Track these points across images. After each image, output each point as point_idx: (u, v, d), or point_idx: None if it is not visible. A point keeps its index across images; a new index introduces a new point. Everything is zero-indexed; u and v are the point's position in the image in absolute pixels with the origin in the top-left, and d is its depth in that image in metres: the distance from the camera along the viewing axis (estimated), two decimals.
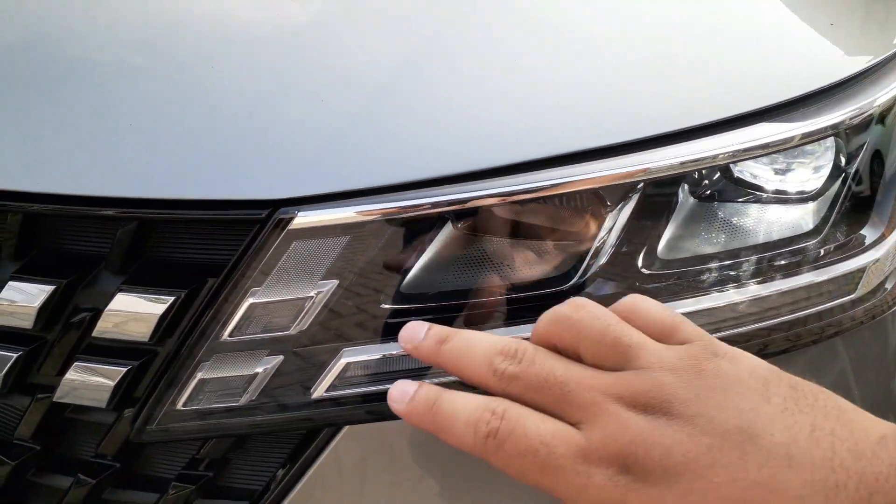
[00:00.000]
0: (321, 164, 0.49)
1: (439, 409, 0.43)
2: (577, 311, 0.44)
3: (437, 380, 0.54)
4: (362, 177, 0.49)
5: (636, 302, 0.46)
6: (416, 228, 0.52)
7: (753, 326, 0.57)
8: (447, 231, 0.54)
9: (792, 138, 0.59)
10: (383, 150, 0.50)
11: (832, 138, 0.61)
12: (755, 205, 0.60)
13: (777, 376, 0.41)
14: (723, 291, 0.58)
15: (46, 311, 0.55)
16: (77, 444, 0.64)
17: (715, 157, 0.58)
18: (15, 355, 0.57)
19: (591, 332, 0.43)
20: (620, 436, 0.39)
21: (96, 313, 0.55)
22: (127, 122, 0.51)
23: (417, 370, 0.55)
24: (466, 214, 0.53)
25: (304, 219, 0.48)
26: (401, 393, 0.46)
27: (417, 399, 0.45)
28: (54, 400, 0.57)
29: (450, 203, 0.51)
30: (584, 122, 0.57)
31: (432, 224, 0.52)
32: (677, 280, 0.58)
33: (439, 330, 0.46)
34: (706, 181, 0.61)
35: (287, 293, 0.51)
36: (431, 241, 0.53)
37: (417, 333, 0.47)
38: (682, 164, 0.56)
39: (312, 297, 0.51)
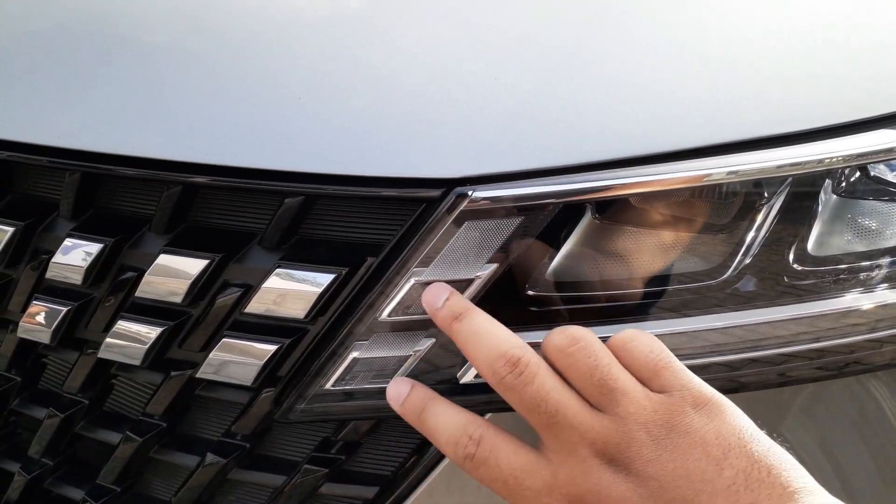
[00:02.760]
0: (494, 144, 0.49)
1: (425, 421, 0.48)
2: (572, 344, 0.46)
3: None
4: (537, 157, 0.48)
5: (628, 339, 0.47)
6: (579, 213, 0.51)
7: None
8: (603, 218, 0.53)
9: None
10: (558, 130, 0.49)
11: None
12: None
13: (741, 443, 0.43)
14: (878, 290, 0.57)
15: (197, 286, 0.54)
16: (204, 423, 0.63)
17: (869, 153, 0.57)
18: (160, 329, 0.56)
19: (580, 368, 0.46)
20: (583, 481, 0.44)
21: (247, 289, 0.54)
22: (296, 96, 0.51)
23: None
24: (626, 201, 0.53)
25: (479, 198, 0.48)
26: (395, 393, 0.49)
27: (408, 405, 0.49)
28: (197, 376, 0.57)
29: (618, 187, 0.50)
30: (740, 113, 0.56)
31: (596, 209, 0.52)
32: (830, 277, 0.57)
33: (455, 304, 0.48)
34: (854, 178, 0.60)
35: (450, 275, 0.50)
36: (589, 227, 0.53)
37: (437, 299, 0.48)
38: (842, 158, 0.55)
39: (474, 279, 0.51)
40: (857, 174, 0.61)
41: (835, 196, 0.60)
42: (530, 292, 0.54)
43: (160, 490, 0.67)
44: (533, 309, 0.55)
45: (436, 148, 0.49)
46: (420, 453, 0.58)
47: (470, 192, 0.48)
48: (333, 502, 0.61)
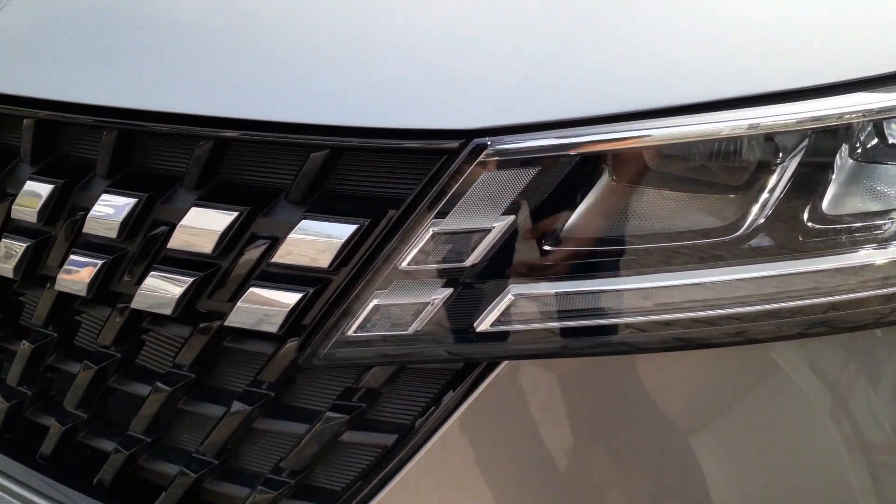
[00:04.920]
0: (513, 96, 0.50)
1: None
2: None
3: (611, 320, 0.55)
4: (555, 109, 0.50)
5: None
6: (599, 165, 0.53)
7: None
8: (619, 173, 0.54)
9: None
10: (576, 82, 0.51)
11: None
12: None
13: None
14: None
15: (226, 238, 0.57)
16: (230, 375, 0.66)
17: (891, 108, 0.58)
18: (190, 280, 0.59)
19: None
20: None
21: (274, 241, 0.57)
22: (321, 53, 0.53)
23: (584, 311, 0.56)
24: (643, 161, 0.54)
25: (498, 149, 0.50)
26: None
27: None
28: (226, 325, 0.59)
29: (636, 139, 0.51)
30: (760, 67, 0.56)
31: (613, 162, 0.53)
32: (845, 235, 0.58)
33: None
34: (870, 136, 0.60)
35: (468, 225, 0.52)
36: (606, 186, 0.54)
37: None
38: (862, 112, 0.56)
39: (491, 230, 0.52)
40: (875, 140, 0.61)
41: (851, 160, 0.61)
42: (546, 246, 0.56)
43: (188, 441, 0.70)
44: (548, 263, 0.56)
45: (455, 100, 0.51)
46: (436, 403, 0.60)
47: (488, 143, 0.50)
48: (354, 450, 0.63)
